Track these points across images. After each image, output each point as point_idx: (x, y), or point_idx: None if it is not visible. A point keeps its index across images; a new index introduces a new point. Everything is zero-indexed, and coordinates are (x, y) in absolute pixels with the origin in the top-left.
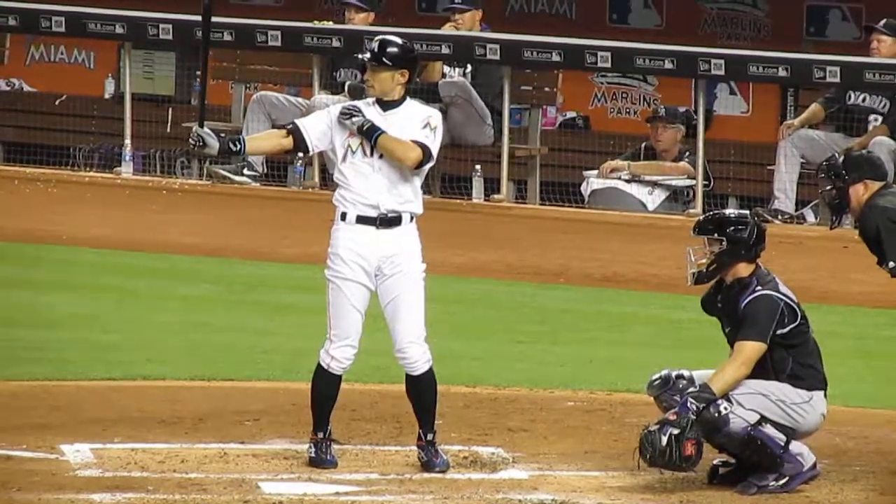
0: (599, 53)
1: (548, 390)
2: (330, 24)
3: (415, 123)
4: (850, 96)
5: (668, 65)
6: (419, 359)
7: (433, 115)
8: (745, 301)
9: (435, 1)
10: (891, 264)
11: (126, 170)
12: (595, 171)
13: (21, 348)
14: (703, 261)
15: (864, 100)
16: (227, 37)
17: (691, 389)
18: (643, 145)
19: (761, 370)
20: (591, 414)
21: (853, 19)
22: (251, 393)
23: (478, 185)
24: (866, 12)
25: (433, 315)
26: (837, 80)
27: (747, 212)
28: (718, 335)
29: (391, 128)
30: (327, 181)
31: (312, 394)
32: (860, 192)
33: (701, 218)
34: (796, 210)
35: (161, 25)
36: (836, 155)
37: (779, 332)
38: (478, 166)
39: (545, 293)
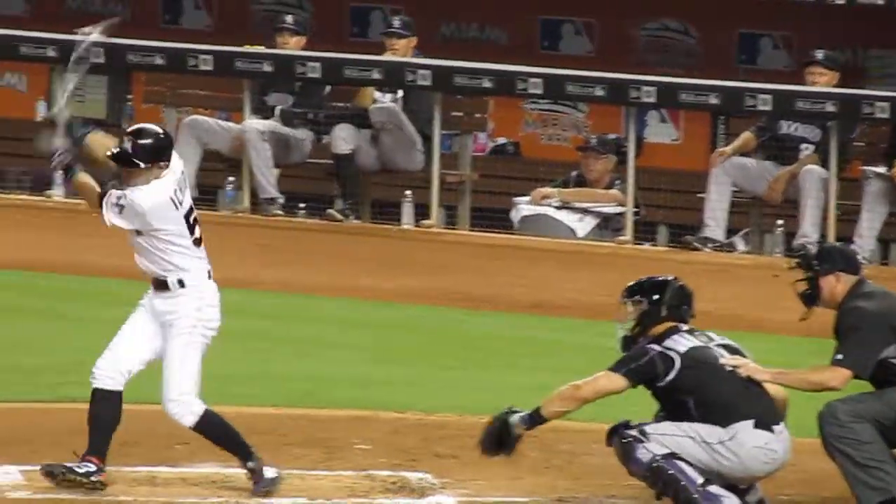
0: (530, 80)
1: (477, 416)
2: (262, 49)
3: None
4: (781, 125)
5: (599, 92)
6: (179, 415)
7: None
8: None
9: (367, 27)
10: (837, 356)
11: (58, 192)
12: (525, 198)
13: None
14: (629, 325)
15: (795, 129)
16: (158, 60)
17: None
18: (574, 174)
19: (674, 418)
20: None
21: (784, 47)
22: None
23: (408, 211)
24: (797, 40)
25: (364, 340)
26: (769, 108)
27: (672, 276)
28: None
29: None
30: (258, 204)
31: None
32: (832, 284)
33: (628, 284)
34: (727, 238)
35: (93, 49)
36: (807, 246)
37: (663, 382)
38: (408, 192)
39: (474, 319)
